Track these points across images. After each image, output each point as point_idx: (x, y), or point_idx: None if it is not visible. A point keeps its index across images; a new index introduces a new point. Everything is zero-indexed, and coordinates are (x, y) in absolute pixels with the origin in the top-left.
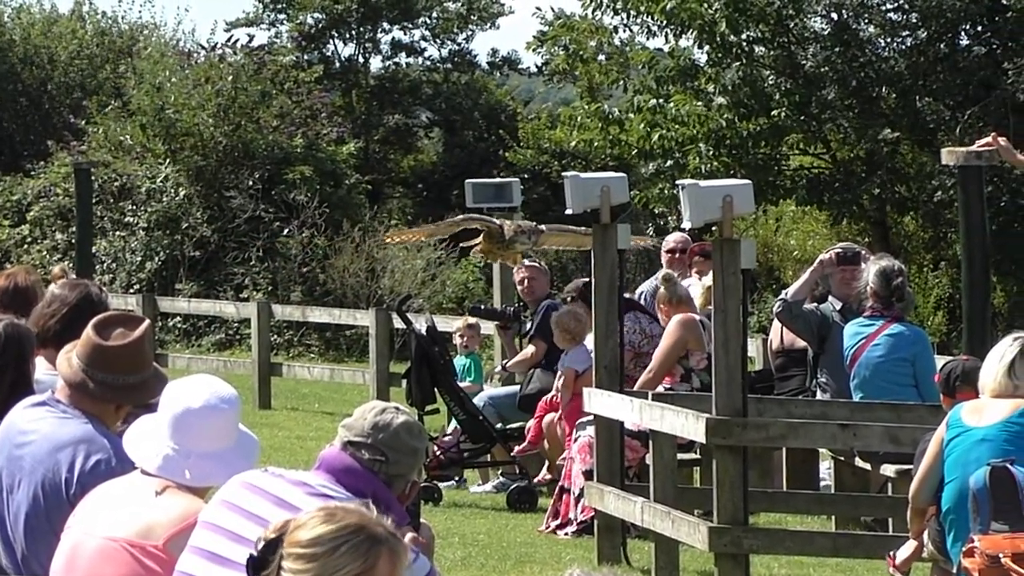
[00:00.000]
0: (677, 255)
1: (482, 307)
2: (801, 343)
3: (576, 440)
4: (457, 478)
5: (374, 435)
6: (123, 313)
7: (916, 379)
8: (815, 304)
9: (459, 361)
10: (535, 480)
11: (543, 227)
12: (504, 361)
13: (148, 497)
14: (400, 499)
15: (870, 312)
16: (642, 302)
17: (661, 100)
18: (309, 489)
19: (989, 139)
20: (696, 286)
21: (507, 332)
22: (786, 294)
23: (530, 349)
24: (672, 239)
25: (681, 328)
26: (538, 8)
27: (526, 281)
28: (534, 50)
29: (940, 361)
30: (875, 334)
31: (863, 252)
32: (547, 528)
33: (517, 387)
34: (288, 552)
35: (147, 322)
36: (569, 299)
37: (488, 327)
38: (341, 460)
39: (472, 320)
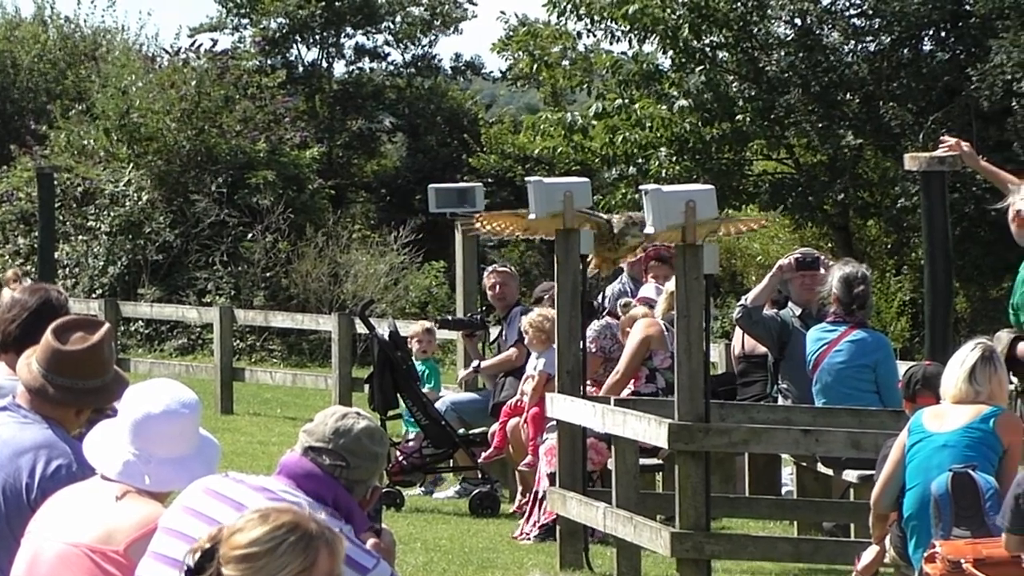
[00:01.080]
0: (637, 254)
1: (449, 318)
2: (763, 349)
3: (544, 443)
4: (423, 486)
5: (335, 440)
6: (83, 317)
7: (878, 385)
8: (775, 310)
9: (416, 367)
10: (515, 510)
11: None
12: (478, 362)
13: (108, 502)
14: (361, 504)
15: (832, 318)
16: (607, 305)
17: (626, 101)
18: (270, 495)
19: (952, 141)
20: (650, 287)
21: (472, 339)
22: (746, 300)
23: (512, 351)
24: None
25: (643, 329)
26: (502, 12)
27: (497, 287)
28: (499, 52)
29: (903, 367)
30: (837, 340)
31: (822, 257)
32: (521, 534)
33: (477, 393)
34: (228, 557)
35: (107, 326)
36: (543, 299)
37: (448, 332)
38: (302, 465)
39: (428, 325)
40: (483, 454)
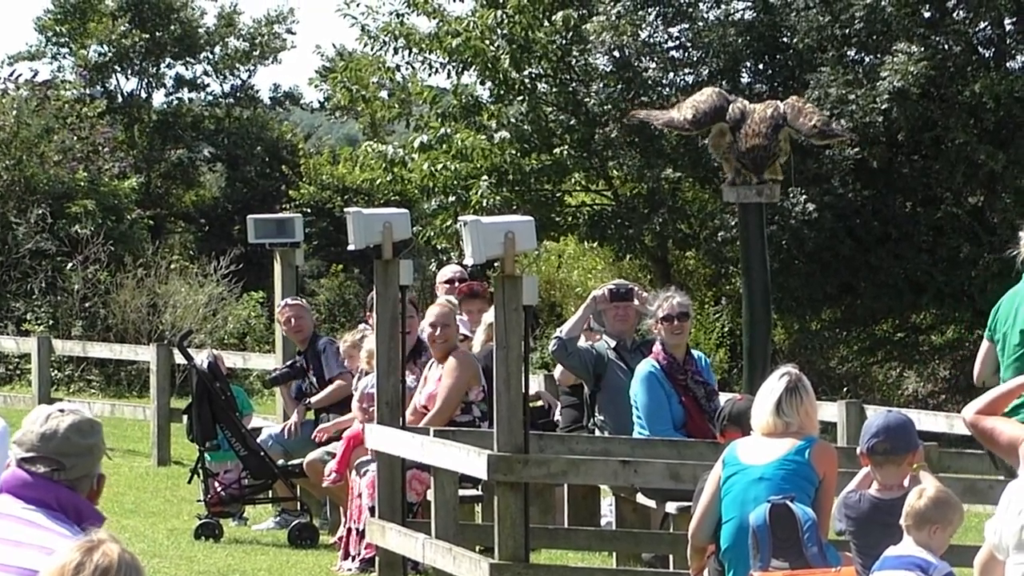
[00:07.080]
0: (455, 284)
1: (278, 376)
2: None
3: (365, 476)
4: (237, 517)
5: (43, 446)
6: None
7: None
8: (590, 342)
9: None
10: (334, 541)
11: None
12: (309, 400)
13: None
14: (90, 497)
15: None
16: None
17: (447, 131)
18: (12, 519)
19: None
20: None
21: (287, 386)
22: (561, 332)
23: (339, 383)
24: (449, 270)
25: (461, 366)
26: (318, 46)
27: (292, 320)
28: (315, 86)
29: (721, 398)
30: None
31: (636, 288)
32: (339, 568)
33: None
34: None
35: None
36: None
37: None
38: (17, 477)
39: (217, 351)
40: (327, 479)
